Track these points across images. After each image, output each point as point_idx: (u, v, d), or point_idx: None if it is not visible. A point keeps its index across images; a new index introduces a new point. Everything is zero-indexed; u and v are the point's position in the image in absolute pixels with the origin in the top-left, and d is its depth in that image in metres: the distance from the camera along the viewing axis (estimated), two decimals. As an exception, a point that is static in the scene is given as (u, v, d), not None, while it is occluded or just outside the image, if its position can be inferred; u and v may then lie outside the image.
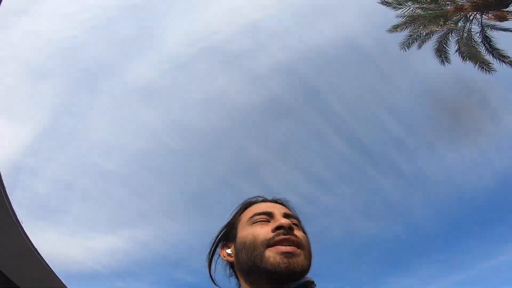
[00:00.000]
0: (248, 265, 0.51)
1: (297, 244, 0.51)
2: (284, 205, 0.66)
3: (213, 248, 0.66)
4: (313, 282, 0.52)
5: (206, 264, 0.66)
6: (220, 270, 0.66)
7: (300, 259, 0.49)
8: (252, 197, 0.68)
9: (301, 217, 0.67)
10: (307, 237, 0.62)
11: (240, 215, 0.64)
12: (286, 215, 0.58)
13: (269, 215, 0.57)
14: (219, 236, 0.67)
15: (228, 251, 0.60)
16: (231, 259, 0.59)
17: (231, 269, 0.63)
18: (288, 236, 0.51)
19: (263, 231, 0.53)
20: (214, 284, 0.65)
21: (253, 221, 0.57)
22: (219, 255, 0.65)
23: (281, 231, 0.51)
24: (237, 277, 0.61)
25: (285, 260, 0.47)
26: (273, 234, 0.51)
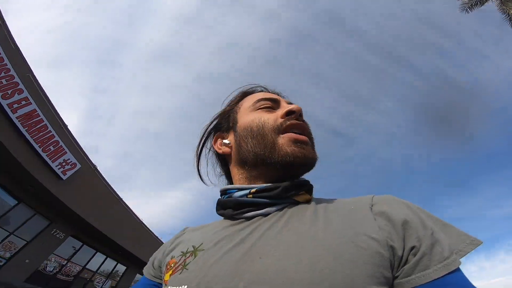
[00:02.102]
0: (254, 154, 0.45)
1: (307, 133, 0.48)
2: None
3: (203, 139, 0.59)
4: (310, 183, 0.48)
5: (195, 159, 0.59)
6: (210, 168, 0.59)
7: (311, 150, 0.46)
8: (251, 87, 0.60)
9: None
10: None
11: (238, 102, 0.57)
12: (291, 104, 0.52)
13: (275, 102, 0.52)
14: (211, 125, 0.59)
15: (225, 141, 0.53)
16: (228, 150, 0.52)
17: (221, 164, 0.58)
18: (300, 122, 0.47)
19: (272, 117, 0.48)
20: (202, 182, 0.59)
21: (257, 107, 0.51)
22: (212, 147, 0.58)
23: (292, 115, 0.47)
24: (227, 174, 0.56)
25: (301, 150, 0.43)
26: (282, 119, 0.47)
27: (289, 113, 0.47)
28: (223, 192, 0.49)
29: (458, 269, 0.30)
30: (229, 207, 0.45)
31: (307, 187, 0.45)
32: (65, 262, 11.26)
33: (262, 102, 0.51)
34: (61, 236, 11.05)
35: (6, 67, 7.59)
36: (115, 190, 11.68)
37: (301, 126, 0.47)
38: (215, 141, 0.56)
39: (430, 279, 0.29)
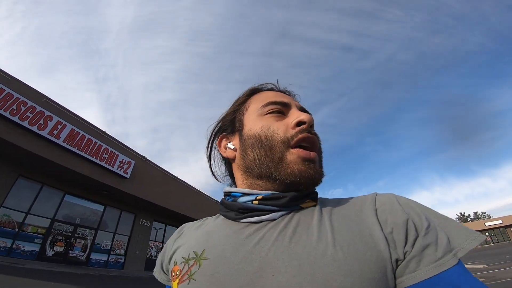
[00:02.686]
0: (260, 166, 0.43)
1: (317, 147, 0.45)
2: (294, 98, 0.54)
3: (211, 139, 0.56)
4: (315, 191, 0.46)
5: (207, 161, 0.57)
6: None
7: (319, 169, 0.43)
8: (260, 84, 0.56)
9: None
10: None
11: (245, 102, 0.53)
12: (302, 109, 0.49)
13: (285, 106, 0.48)
14: (219, 125, 0.56)
15: (230, 145, 0.51)
16: (232, 154, 0.50)
17: (225, 164, 0.56)
18: (311, 136, 0.44)
19: (282, 126, 0.45)
20: (216, 180, 0.57)
21: (266, 111, 0.47)
22: (217, 147, 0.55)
23: (303, 127, 0.44)
24: (231, 174, 0.54)
25: (309, 170, 0.41)
26: (293, 131, 0.44)
27: (300, 124, 0.45)
28: (227, 193, 0.48)
29: (455, 266, 0.30)
30: (234, 210, 0.44)
31: (313, 195, 0.44)
32: (161, 245, 13.31)
33: (272, 107, 0.47)
34: (147, 224, 12.80)
35: (20, 100, 7.64)
36: (167, 170, 12.75)
37: (312, 140, 0.44)
38: (220, 143, 0.54)
39: (419, 280, 0.30)
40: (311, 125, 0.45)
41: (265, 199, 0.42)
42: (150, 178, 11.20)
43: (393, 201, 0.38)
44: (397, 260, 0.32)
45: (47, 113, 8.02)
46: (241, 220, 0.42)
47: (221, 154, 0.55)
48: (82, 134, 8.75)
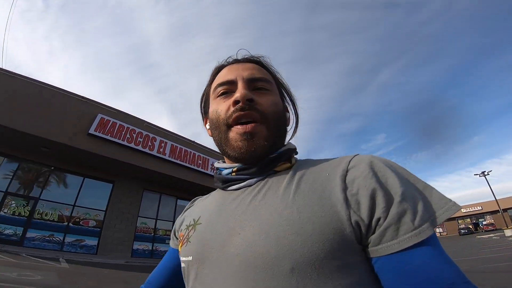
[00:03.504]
0: (220, 145, 0.48)
1: (258, 118, 0.44)
2: (256, 63, 0.53)
3: (203, 117, 0.59)
4: (294, 149, 0.49)
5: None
6: None
7: (261, 137, 0.44)
8: (224, 60, 0.56)
9: (279, 75, 0.55)
10: (282, 99, 0.53)
11: (212, 83, 0.54)
12: (250, 80, 0.48)
13: (232, 84, 0.48)
14: (201, 107, 0.59)
15: (207, 125, 0.55)
16: (210, 134, 0.53)
17: None
18: (244, 113, 0.44)
19: (224, 107, 0.47)
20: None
21: (216, 94, 0.50)
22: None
23: (238, 106, 0.44)
24: None
25: (246, 143, 0.43)
26: (232, 109, 0.45)
27: (236, 103, 0.45)
28: (217, 169, 0.53)
29: (429, 237, 0.30)
30: (220, 181, 0.49)
31: (286, 157, 0.47)
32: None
33: (220, 89, 0.49)
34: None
35: (131, 128, 9.10)
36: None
37: (247, 117, 0.44)
38: (205, 124, 0.57)
39: (397, 250, 0.29)
40: (248, 99, 0.45)
41: (239, 169, 0.46)
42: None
43: (366, 162, 0.37)
44: (357, 223, 0.32)
45: (151, 135, 9.44)
46: (227, 189, 0.47)
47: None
48: (180, 147, 10.01)
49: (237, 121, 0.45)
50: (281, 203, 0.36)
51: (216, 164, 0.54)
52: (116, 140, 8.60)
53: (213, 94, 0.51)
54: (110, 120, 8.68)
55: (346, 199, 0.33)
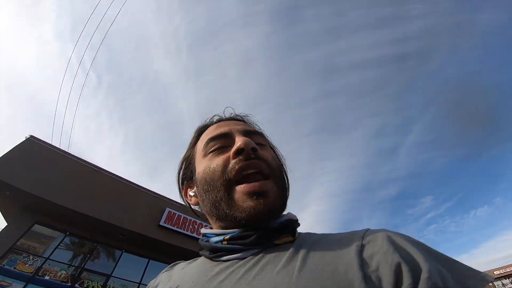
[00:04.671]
0: (217, 208, 0.42)
1: (266, 169, 0.42)
2: (243, 121, 0.53)
3: (180, 188, 0.55)
4: (296, 221, 0.44)
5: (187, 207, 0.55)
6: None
7: (273, 195, 0.41)
8: (207, 118, 0.54)
9: (267, 135, 0.53)
10: (277, 155, 0.51)
11: (195, 144, 0.52)
12: (246, 132, 0.47)
13: (227, 137, 0.46)
14: (179, 175, 0.54)
15: (191, 192, 0.50)
16: (195, 201, 0.50)
17: (200, 209, 0.52)
18: (250, 161, 0.41)
19: (221, 161, 0.42)
20: (198, 218, 0.56)
21: (208, 151, 0.46)
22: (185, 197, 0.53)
23: (241, 156, 0.41)
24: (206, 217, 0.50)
25: (258, 204, 0.38)
26: (233, 162, 0.42)
27: (238, 152, 0.42)
28: (203, 235, 0.47)
29: None
30: (207, 250, 0.43)
31: (290, 228, 0.41)
32: None
33: (212, 144, 0.46)
34: None
35: (192, 220, 9.29)
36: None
37: (254, 165, 0.41)
38: (185, 192, 0.53)
39: None
40: (252, 148, 0.42)
41: (232, 238, 0.41)
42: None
43: (384, 237, 0.34)
44: None
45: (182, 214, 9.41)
46: (214, 260, 0.42)
47: (189, 204, 0.53)
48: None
49: (241, 174, 0.41)
50: (283, 281, 0.32)
51: (203, 230, 0.48)
52: (182, 231, 8.62)
53: (202, 152, 0.47)
54: (175, 213, 8.95)
55: (365, 276, 0.29)
